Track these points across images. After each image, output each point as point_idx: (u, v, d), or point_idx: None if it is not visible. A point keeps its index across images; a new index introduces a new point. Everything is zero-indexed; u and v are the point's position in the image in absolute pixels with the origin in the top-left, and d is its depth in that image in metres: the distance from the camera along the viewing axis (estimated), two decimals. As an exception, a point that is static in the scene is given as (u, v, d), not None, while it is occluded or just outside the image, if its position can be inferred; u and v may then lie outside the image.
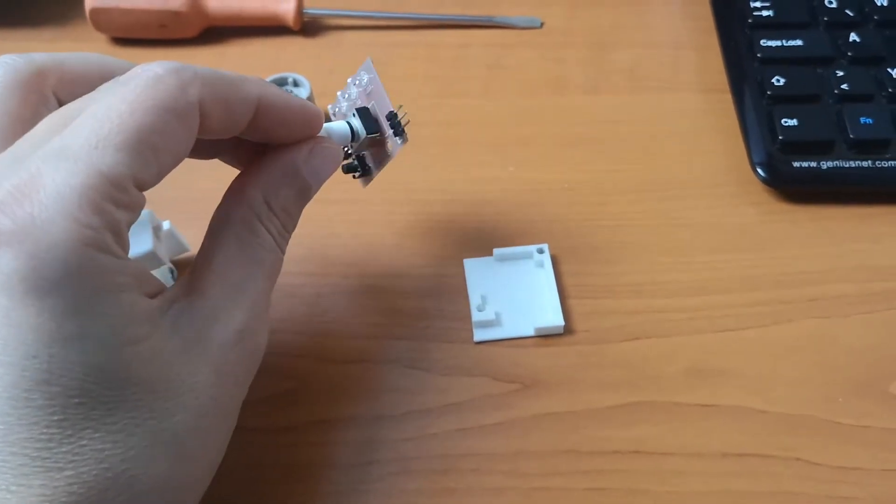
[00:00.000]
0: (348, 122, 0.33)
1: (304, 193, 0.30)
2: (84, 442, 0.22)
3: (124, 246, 0.24)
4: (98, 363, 0.22)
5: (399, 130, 0.32)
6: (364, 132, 0.32)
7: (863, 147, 0.40)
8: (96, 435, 0.22)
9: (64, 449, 0.21)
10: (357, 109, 0.33)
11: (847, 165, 0.40)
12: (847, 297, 0.37)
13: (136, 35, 0.49)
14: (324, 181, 0.30)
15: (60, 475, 0.21)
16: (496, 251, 0.38)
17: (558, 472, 0.32)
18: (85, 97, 0.25)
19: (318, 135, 0.30)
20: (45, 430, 0.21)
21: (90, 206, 0.22)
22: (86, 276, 0.22)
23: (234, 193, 0.28)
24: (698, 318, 0.37)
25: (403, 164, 0.43)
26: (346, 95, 0.35)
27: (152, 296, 0.25)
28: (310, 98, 0.43)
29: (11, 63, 0.27)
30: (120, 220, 0.23)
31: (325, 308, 0.37)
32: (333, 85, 0.47)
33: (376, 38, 0.50)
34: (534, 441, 0.33)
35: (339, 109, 0.35)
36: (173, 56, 0.48)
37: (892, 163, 0.40)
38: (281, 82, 0.44)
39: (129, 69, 0.26)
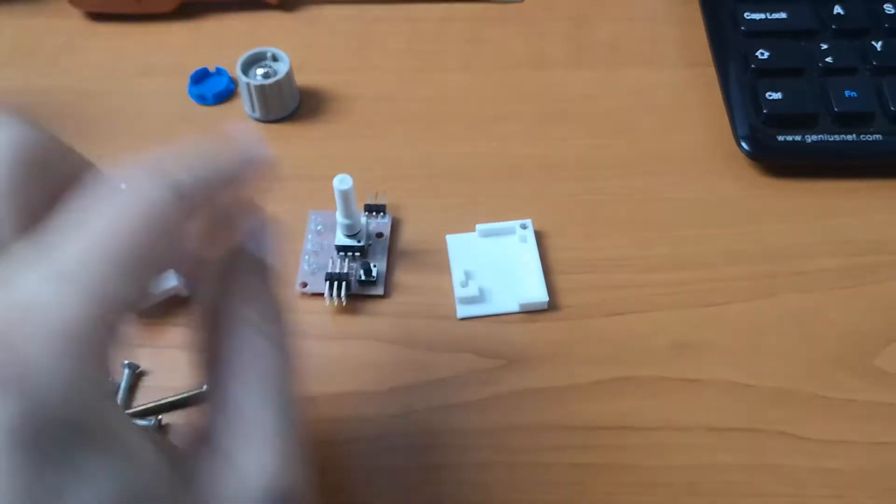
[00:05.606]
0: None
1: (269, 275, 0.25)
2: None
3: (109, 374, 0.20)
4: None
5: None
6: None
7: (847, 120, 0.40)
8: None
9: None
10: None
11: (831, 139, 0.40)
12: (831, 270, 0.37)
13: (112, 10, 0.48)
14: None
15: None
16: (479, 227, 0.38)
17: (544, 448, 0.32)
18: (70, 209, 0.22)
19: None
20: None
21: (89, 341, 0.19)
22: (80, 425, 0.18)
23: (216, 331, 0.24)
24: (682, 292, 0.36)
25: (384, 139, 0.42)
26: None
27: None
28: (289, 73, 0.42)
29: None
30: (112, 349, 0.20)
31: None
32: (312, 60, 0.46)
33: (355, 13, 0.49)
34: (519, 417, 0.33)
35: None
36: (150, 31, 0.47)
37: (877, 136, 0.40)
38: (259, 57, 0.43)
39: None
